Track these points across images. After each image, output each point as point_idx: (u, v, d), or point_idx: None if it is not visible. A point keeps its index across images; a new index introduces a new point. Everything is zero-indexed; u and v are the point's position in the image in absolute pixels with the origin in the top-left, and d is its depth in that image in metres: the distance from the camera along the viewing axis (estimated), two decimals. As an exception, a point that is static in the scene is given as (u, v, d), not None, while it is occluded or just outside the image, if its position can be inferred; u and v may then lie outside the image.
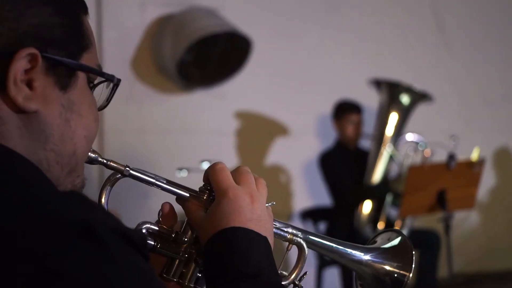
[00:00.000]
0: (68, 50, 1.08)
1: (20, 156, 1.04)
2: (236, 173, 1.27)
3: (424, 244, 5.54)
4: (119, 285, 0.90)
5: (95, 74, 1.15)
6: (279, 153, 6.36)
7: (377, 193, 5.53)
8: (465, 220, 7.12)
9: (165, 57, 5.72)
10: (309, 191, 6.47)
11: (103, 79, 1.17)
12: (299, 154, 6.47)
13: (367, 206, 5.53)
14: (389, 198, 5.47)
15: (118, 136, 5.71)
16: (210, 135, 6.02)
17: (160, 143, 5.88)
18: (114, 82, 1.18)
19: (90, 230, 0.89)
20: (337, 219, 5.66)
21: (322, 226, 5.82)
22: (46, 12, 1.06)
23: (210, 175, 1.26)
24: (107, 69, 1.18)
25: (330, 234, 5.46)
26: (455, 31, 7.18)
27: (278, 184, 6.42)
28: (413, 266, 1.34)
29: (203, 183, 1.29)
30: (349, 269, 4.73)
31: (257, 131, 6.36)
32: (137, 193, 5.28)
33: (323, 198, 5.93)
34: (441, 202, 4.95)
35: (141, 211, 5.33)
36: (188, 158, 4.50)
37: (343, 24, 6.64)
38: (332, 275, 5.81)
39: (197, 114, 6.08)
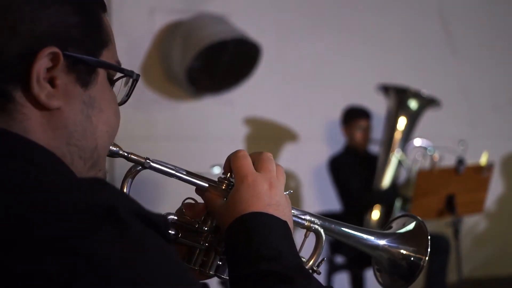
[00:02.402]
0: (88, 47, 1.11)
1: (43, 148, 1.07)
2: (257, 159, 1.30)
3: (434, 248, 5.48)
4: (143, 264, 0.92)
5: (115, 70, 1.18)
6: (288, 159, 6.37)
7: (386, 198, 5.54)
8: (474, 225, 7.11)
9: (174, 63, 5.74)
10: (318, 197, 6.48)
11: (123, 74, 1.20)
12: (308, 159, 6.47)
13: (376, 211, 5.53)
14: (398, 203, 5.48)
15: (127, 143, 5.61)
16: (219, 141, 6.03)
17: (169, 150, 5.89)
18: (133, 77, 1.21)
19: (114, 213, 0.91)
20: (346, 224, 5.65)
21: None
22: (65, 12, 1.08)
23: (231, 161, 1.29)
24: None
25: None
26: (463, 36, 7.18)
27: (287, 189, 6.41)
28: (429, 249, 1.37)
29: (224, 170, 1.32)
30: (358, 276, 4.70)
31: (266, 137, 6.38)
32: (151, 204, 5.31)
33: (332, 203, 5.94)
34: (450, 206, 4.95)
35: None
36: (197, 164, 4.49)
37: (351, 30, 6.65)
38: (342, 280, 5.82)
39: (206, 121, 6.10)
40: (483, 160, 5.12)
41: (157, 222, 0.97)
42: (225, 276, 1.31)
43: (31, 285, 0.87)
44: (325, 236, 1.37)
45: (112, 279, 0.89)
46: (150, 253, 0.94)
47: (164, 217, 1.02)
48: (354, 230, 1.39)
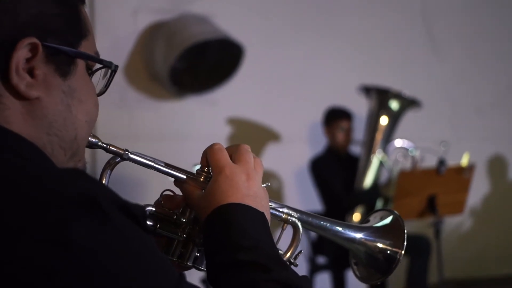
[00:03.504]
0: (67, 38, 1.12)
1: (23, 138, 1.08)
2: (235, 151, 1.32)
3: (415, 249, 5.54)
4: (123, 253, 0.94)
5: (94, 61, 1.19)
6: (271, 159, 6.38)
7: (368, 199, 5.55)
8: (456, 226, 7.15)
9: (157, 63, 5.74)
10: (300, 197, 6.49)
11: (101, 65, 1.21)
12: (290, 160, 6.49)
13: (356, 214, 5.54)
14: (379, 203, 5.49)
15: (110, 142, 5.71)
16: (202, 141, 5.95)
17: (152, 149, 5.83)
18: (112, 68, 1.22)
19: (94, 203, 0.93)
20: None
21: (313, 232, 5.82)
22: (45, 2, 1.09)
23: (208, 154, 1.30)
24: (100, 75, 1.22)
25: (320, 239, 5.49)
26: (445, 38, 7.23)
27: (269, 189, 6.42)
28: (405, 243, 1.37)
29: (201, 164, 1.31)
30: (340, 276, 4.68)
31: (248, 137, 6.38)
32: (130, 196, 5.29)
33: (314, 204, 5.95)
34: (431, 207, 4.96)
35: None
36: (179, 164, 4.51)
37: (334, 32, 6.68)
38: (324, 280, 5.83)
39: (189, 121, 6.10)
40: (464, 161, 5.14)
41: (134, 211, 0.99)
42: (203, 268, 1.32)
43: (14, 272, 0.88)
44: (303, 229, 1.38)
45: (94, 268, 0.91)
46: (130, 242, 0.96)
47: (142, 208, 1.03)
48: (331, 223, 1.40)
